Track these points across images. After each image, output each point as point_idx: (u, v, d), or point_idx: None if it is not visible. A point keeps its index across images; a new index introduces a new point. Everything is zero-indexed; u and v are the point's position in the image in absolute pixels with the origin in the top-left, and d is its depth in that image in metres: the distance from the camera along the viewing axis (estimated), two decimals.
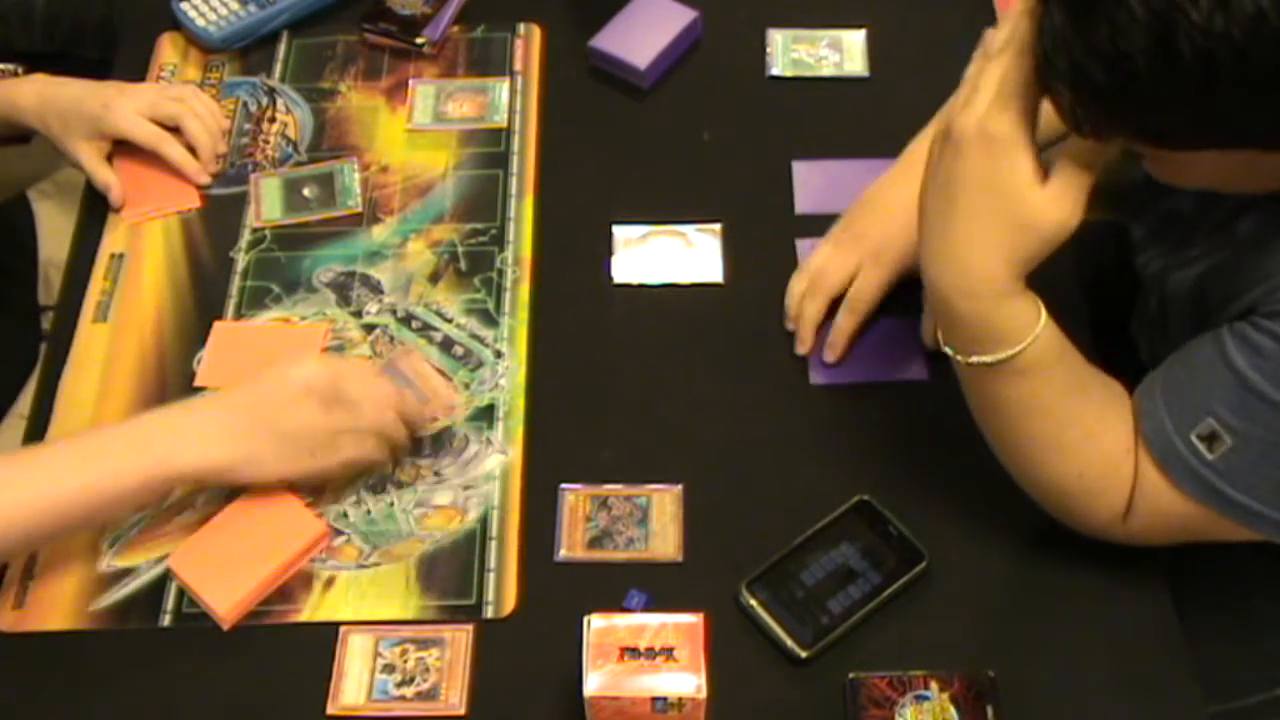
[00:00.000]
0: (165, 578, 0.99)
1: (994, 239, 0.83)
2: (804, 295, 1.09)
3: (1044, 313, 0.86)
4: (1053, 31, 0.74)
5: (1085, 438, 0.89)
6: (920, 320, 1.09)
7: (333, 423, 0.98)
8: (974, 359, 0.87)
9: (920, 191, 0.88)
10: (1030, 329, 0.85)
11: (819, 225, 1.17)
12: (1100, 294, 1.10)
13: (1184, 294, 0.94)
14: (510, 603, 0.97)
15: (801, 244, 1.16)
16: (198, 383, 1.09)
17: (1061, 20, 0.73)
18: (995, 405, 0.90)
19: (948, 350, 0.90)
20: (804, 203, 1.19)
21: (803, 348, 1.09)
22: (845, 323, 1.08)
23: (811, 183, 1.21)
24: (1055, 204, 0.82)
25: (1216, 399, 0.84)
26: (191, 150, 1.22)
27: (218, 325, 1.13)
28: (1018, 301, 0.85)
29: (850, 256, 1.08)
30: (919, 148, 1.08)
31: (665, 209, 1.19)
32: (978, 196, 0.83)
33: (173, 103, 1.22)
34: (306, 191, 1.22)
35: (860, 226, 1.10)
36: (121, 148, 1.22)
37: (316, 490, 1.02)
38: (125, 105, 1.20)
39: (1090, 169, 0.82)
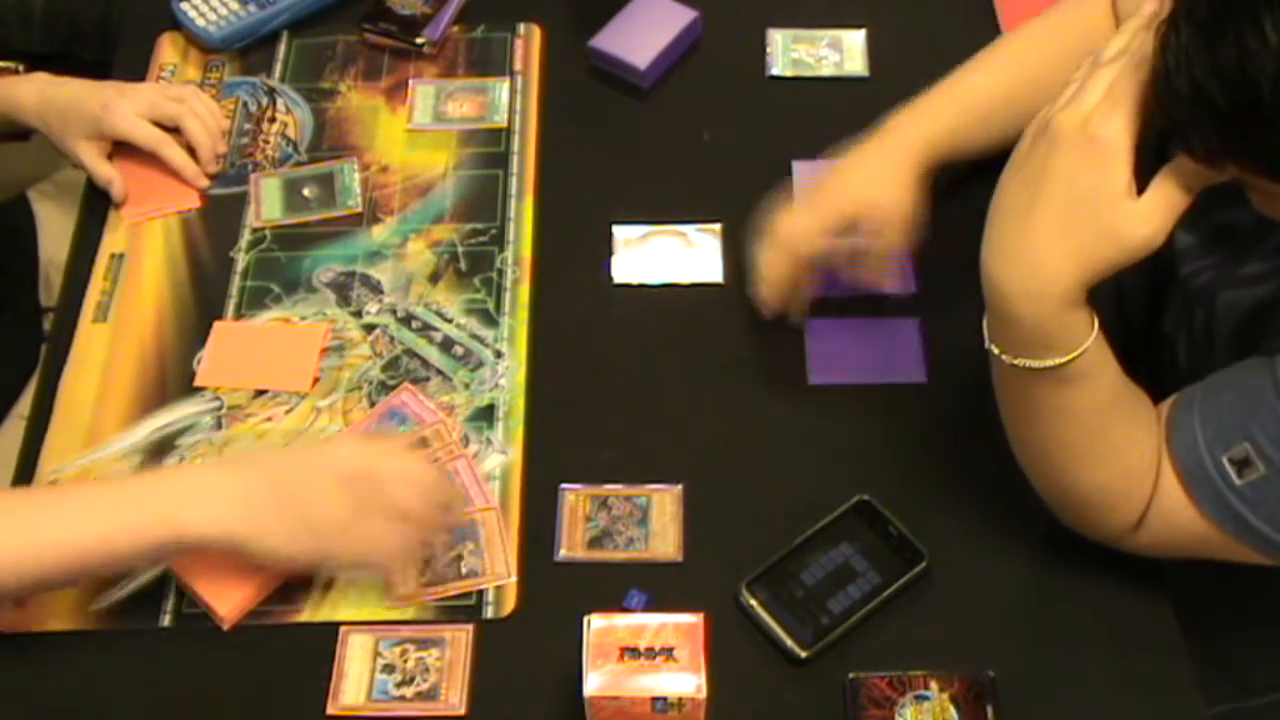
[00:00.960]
0: (165, 578, 0.98)
1: (1074, 244, 0.79)
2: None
3: (1096, 324, 0.83)
4: (1177, 48, 0.71)
5: (1114, 449, 0.88)
6: (918, 322, 1.10)
7: (355, 503, 0.91)
8: (1020, 362, 0.84)
9: (1000, 185, 0.84)
10: (1083, 339, 0.83)
11: None
12: (1123, 290, 1.10)
13: (1237, 316, 0.92)
14: (510, 603, 0.97)
15: None
16: (198, 382, 1.09)
17: (1189, 37, 0.70)
18: (1032, 409, 0.88)
19: (992, 349, 0.86)
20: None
21: (764, 309, 1.08)
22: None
23: (811, 182, 1.20)
24: (1145, 219, 0.78)
25: (1257, 426, 0.82)
26: (191, 151, 1.23)
27: (218, 325, 1.13)
28: (1078, 311, 0.82)
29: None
30: (893, 122, 1.08)
31: (665, 209, 1.19)
32: (1066, 197, 0.79)
33: (173, 103, 1.22)
34: (306, 191, 1.22)
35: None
36: (122, 147, 1.22)
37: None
38: (125, 106, 1.20)
39: (1190, 191, 0.79)
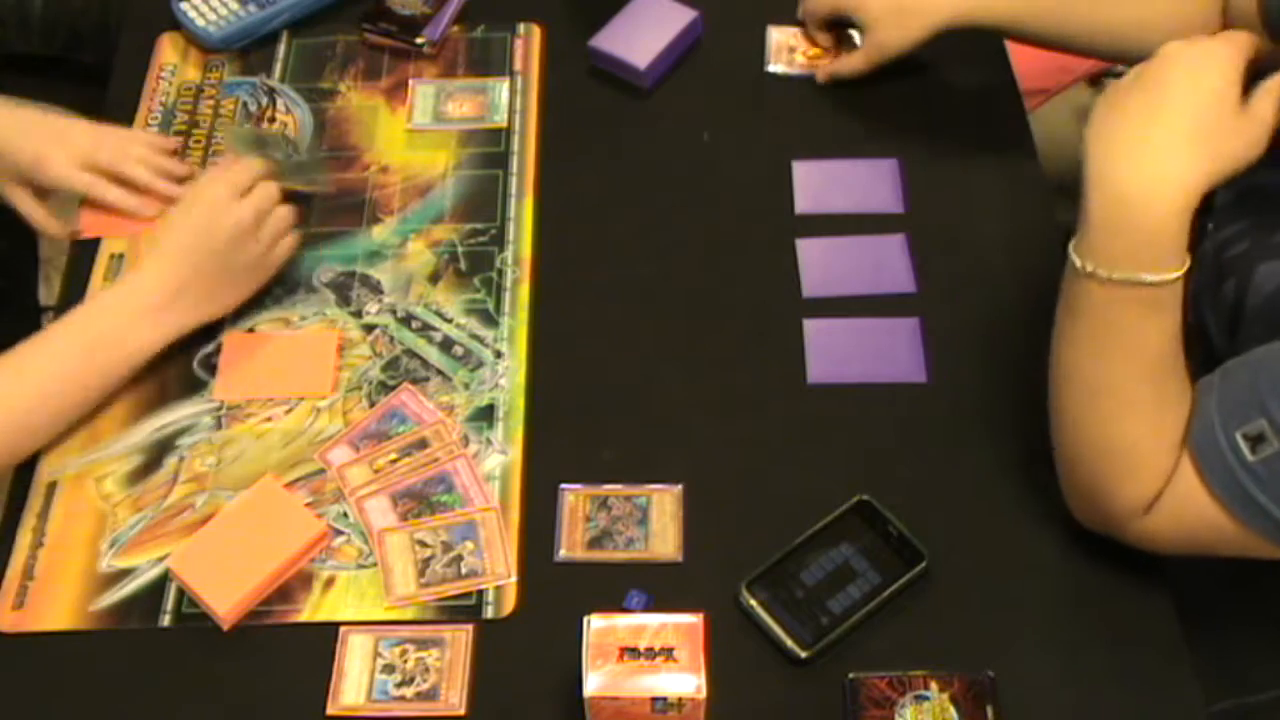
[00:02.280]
0: (165, 578, 0.99)
1: (1201, 145, 0.83)
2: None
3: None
4: None
5: (1160, 402, 0.87)
6: (918, 322, 1.10)
7: (265, 243, 1.09)
8: (1122, 275, 0.84)
9: (1113, 95, 0.87)
10: (1185, 255, 0.84)
11: (819, 225, 1.17)
12: None
13: (1269, 291, 0.92)
14: (510, 603, 0.97)
15: (801, 244, 1.16)
16: (215, 396, 1.08)
17: None
18: (1107, 338, 0.87)
19: (1085, 267, 0.85)
20: (804, 202, 1.20)
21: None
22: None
23: (811, 182, 1.21)
24: (1252, 129, 0.84)
25: (1276, 402, 0.82)
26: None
27: (230, 334, 1.12)
28: (1188, 222, 0.83)
29: None
30: None
31: (665, 209, 1.19)
32: (1190, 101, 0.84)
33: (107, 154, 1.17)
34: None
35: None
36: None
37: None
38: (59, 156, 1.16)
39: (1276, 107, 0.85)
